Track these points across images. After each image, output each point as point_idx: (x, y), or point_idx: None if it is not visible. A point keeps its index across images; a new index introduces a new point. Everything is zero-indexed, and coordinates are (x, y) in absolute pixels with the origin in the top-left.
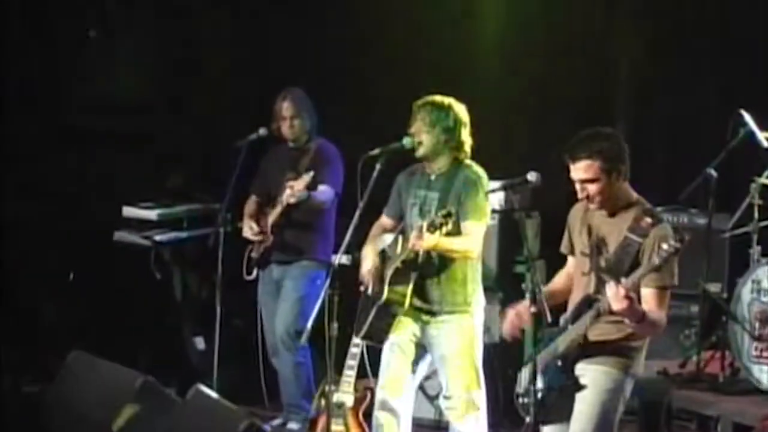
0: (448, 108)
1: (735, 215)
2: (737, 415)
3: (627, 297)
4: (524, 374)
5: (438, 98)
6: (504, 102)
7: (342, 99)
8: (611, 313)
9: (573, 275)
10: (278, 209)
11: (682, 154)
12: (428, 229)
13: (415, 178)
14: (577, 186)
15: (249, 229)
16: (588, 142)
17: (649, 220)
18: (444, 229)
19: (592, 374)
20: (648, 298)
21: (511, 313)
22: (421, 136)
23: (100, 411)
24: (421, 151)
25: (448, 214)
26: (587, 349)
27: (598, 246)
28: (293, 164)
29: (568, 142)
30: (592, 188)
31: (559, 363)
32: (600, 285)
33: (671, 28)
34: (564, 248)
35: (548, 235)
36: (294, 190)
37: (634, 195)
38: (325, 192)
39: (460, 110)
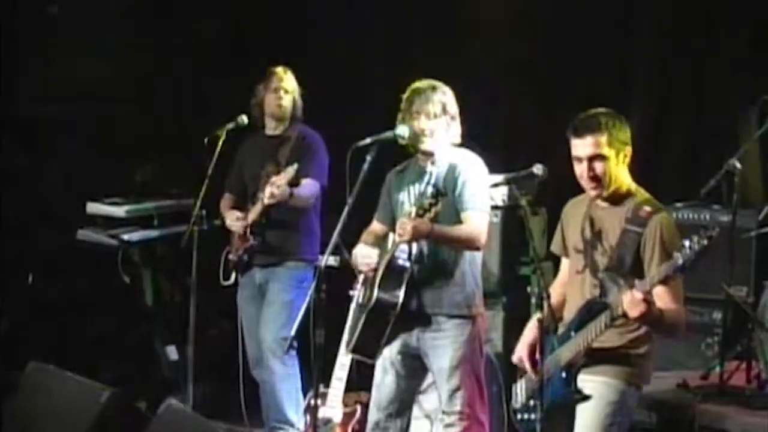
0: (450, 95)
1: (762, 212)
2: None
3: (645, 301)
4: (520, 387)
5: (440, 84)
6: (509, 91)
7: (327, 85)
8: (625, 318)
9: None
10: (258, 208)
11: (703, 144)
12: (417, 213)
13: (406, 175)
14: (582, 165)
15: (233, 219)
16: (595, 116)
17: (648, 208)
18: (434, 210)
19: (592, 386)
20: (661, 293)
21: (519, 353)
22: (428, 126)
23: (61, 428)
24: (428, 144)
25: (438, 194)
26: (587, 358)
27: (593, 240)
28: (272, 154)
29: (572, 121)
30: (600, 166)
31: (564, 375)
32: (604, 285)
33: (693, 11)
34: (555, 248)
35: None
36: (275, 187)
37: (633, 184)
38: (309, 186)
39: (454, 97)
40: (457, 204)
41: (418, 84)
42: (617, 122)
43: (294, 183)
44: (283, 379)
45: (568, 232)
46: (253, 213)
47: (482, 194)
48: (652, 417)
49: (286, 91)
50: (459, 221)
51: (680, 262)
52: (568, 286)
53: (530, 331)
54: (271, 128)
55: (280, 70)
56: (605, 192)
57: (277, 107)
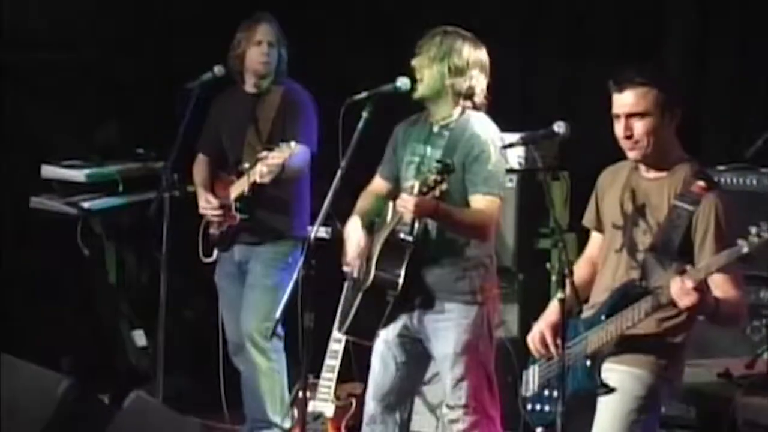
0: (463, 43)
1: None
2: None
3: (697, 290)
4: (532, 374)
5: (453, 29)
6: (527, 40)
7: (321, 34)
8: (673, 306)
9: (597, 258)
10: (243, 183)
11: (751, 99)
12: (421, 189)
13: (414, 130)
14: (620, 124)
15: (206, 203)
16: (644, 67)
17: (701, 183)
18: (439, 189)
19: (619, 377)
20: (718, 280)
21: (536, 334)
22: (423, 71)
23: (13, 423)
24: (419, 91)
25: (446, 168)
26: (616, 346)
27: (634, 216)
28: (253, 115)
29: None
30: (640, 126)
31: (588, 364)
32: (647, 267)
33: None
34: (588, 221)
35: (580, 202)
36: (269, 165)
37: (683, 152)
38: (299, 155)
39: (478, 50)
40: (465, 181)
41: (438, 27)
42: (665, 77)
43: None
44: (266, 375)
45: (605, 204)
46: (238, 187)
47: (497, 174)
48: (690, 411)
49: (271, 45)
50: (466, 200)
51: (745, 250)
52: (601, 265)
53: (554, 310)
54: (252, 84)
55: (263, 19)
56: (645, 154)
57: (260, 64)
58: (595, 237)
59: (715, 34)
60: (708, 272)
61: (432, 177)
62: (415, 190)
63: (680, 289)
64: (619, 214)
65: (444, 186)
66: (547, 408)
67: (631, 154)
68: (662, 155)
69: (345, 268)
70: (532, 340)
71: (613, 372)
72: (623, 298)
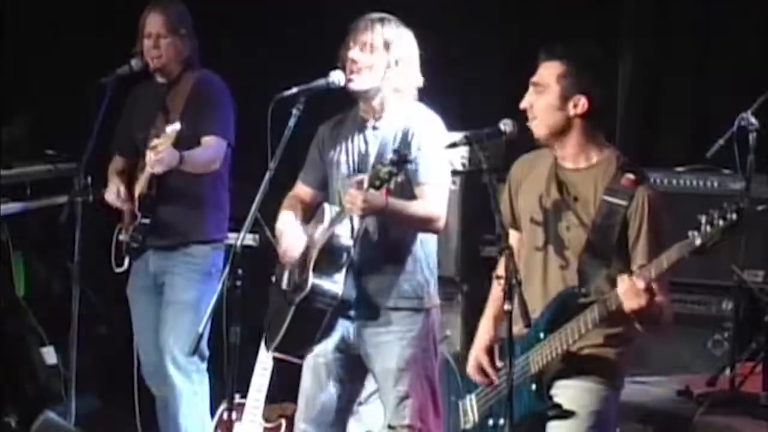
0: (405, 31)
1: None
2: None
3: (647, 291)
4: (470, 404)
5: (394, 19)
6: (470, 32)
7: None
8: (619, 312)
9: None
10: (145, 177)
11: (712, 96)
12: (371, 183)
13: (343, 129)
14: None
15: (113, 193)
16: (568, 41)
17: (631, 176)
18: (394, 181)
19: (570, 393)
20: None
21: (473, 366)
22: (367, 61)
23: None
24: (359, 83)
25: (402, 158)
26: (561, 361)
27: (556, 209)
28: (162, 105)
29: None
30: (533, 99)
31: (534, 387)
32: (585, 271)
33: None
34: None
35: None
36: (157, 154)
37: (604, 141)
38: (211, 147)
39: (414, 39)
40: (409, 174)
41: (372, 14)
42: (584, 59)
43: (185, 143)
44: (188, 399)
45: (520, 198)
46: (140, 184)
47: (442, 164)
48: (648, 430)
49: (162, 36)
50: (413, 196)
51: (698, 242)
52: (524, 267)
53: (486, 332)
54: (159, 76)
55: (153, 9)
56: (540, 135)
57: (151, 58)
58: (513, 235)
59: (676, 32)
60: (660, 270)
61: (385, 169)
62: (365, 185)
63: (629, 290)
64: (539, 209)
65: (399, 178)
66: None
67: (532, 125)
68: (576, 148)
69: (273, 276)
70: (472, 371)
71: (564, 388)
72: (562, 309)
